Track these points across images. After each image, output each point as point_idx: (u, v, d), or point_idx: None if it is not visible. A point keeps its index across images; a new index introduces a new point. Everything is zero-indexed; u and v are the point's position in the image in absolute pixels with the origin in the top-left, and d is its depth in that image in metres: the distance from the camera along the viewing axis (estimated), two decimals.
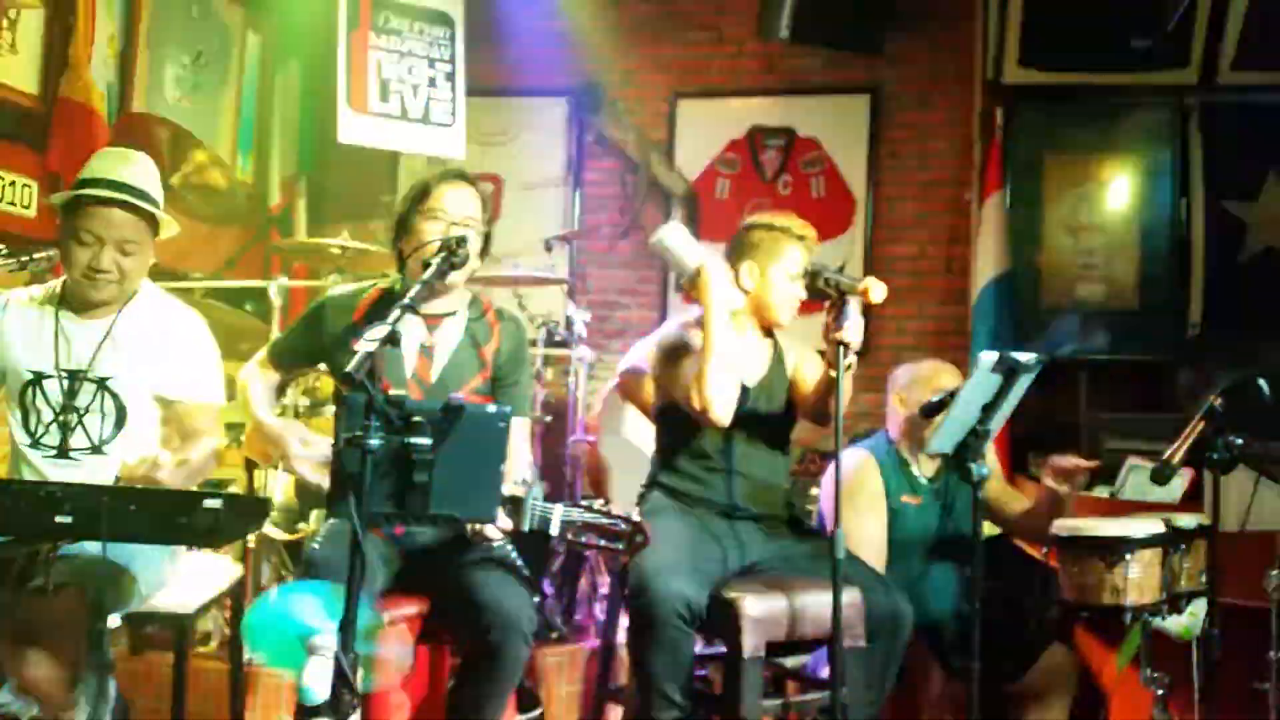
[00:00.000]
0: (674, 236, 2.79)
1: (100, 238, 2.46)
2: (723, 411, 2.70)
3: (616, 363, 4.09)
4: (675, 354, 2.84)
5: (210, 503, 2.06)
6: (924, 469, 3.17)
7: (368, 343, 2.01)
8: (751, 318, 2.93)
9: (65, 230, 2.49)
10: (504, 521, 2.33)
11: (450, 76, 4.93)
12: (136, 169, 2.55)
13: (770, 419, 2.91)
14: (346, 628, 1.93)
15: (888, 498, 3.10)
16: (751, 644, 2.56)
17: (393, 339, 2.08)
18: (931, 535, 3.10)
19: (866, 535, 2.97)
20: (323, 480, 2.45)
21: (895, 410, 3.19)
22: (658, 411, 2.96)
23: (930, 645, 2.96)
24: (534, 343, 4.38)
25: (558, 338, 4.51)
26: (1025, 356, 2.60)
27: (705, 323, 2.72)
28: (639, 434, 3.81)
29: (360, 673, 1.96)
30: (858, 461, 3.11)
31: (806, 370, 2.96)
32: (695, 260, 2.77)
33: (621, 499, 3.97)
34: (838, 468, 2.49)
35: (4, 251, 2.99)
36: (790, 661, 2.87)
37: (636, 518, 2.38)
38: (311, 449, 2.43)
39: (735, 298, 2.84)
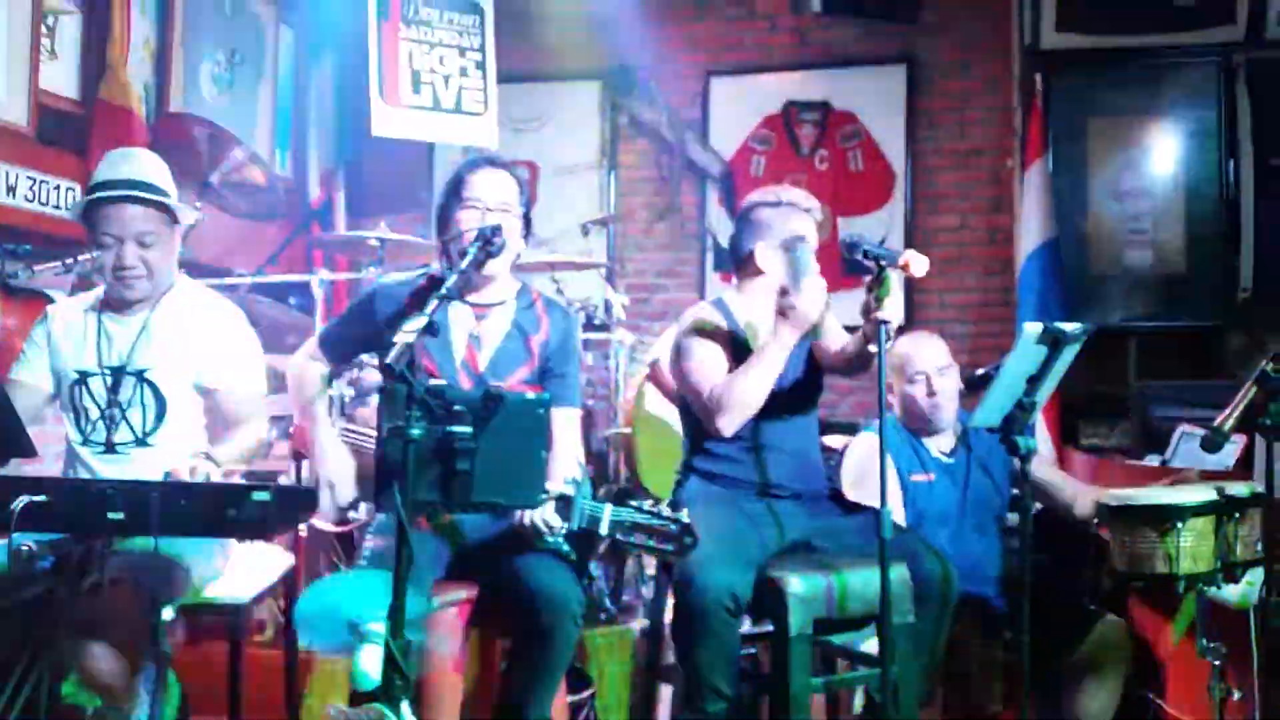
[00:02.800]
0: (807, 253, 2.73)
1: (118, 236, 2.53)
2: (732, 426, 2.68)
3: (655, 346, 4.10)
4: (689, 348, 2.80)
5: (259, 495, 2.09)
6: (939, 445, 3.15)
7: (406, 334, 2.03)
8: (769, 297, 2.88)
9: (90, 239, 2.58)
10: (554, 519, 2.34)
11: (481, 65, 4.93)
12: (139, 164, 2.61)
13: (799, 392, 2.88)
14: (395, 614, 1.95)
15: (900, 476, 3.07)
16: (798, 622, 2.55)
17: (431, 330, 2.09)
18: (953, 510, 3.07)
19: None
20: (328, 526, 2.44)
21: (893, 390, 3.18)
22: (682, 397, 2.94)
23: (974, 619, 2.93)
24: None
25: (596, 322, 4.52)
26: (1070, 326, 2.56)
27: (772, 342, 2.64)
28: (669, 417, 3.81)
29: (412, 658, 1.98)
30: (863, 445, 3.10)
31: (828, 329, 2.94)
32: (807, 280, 2.66)
33: (653, 482, 3.98)
34: (882, 446, 2.46)
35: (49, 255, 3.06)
36: (838, 639, 2.86)
37: (685, 519, 2.38)
38: (336, 496, 2.47)
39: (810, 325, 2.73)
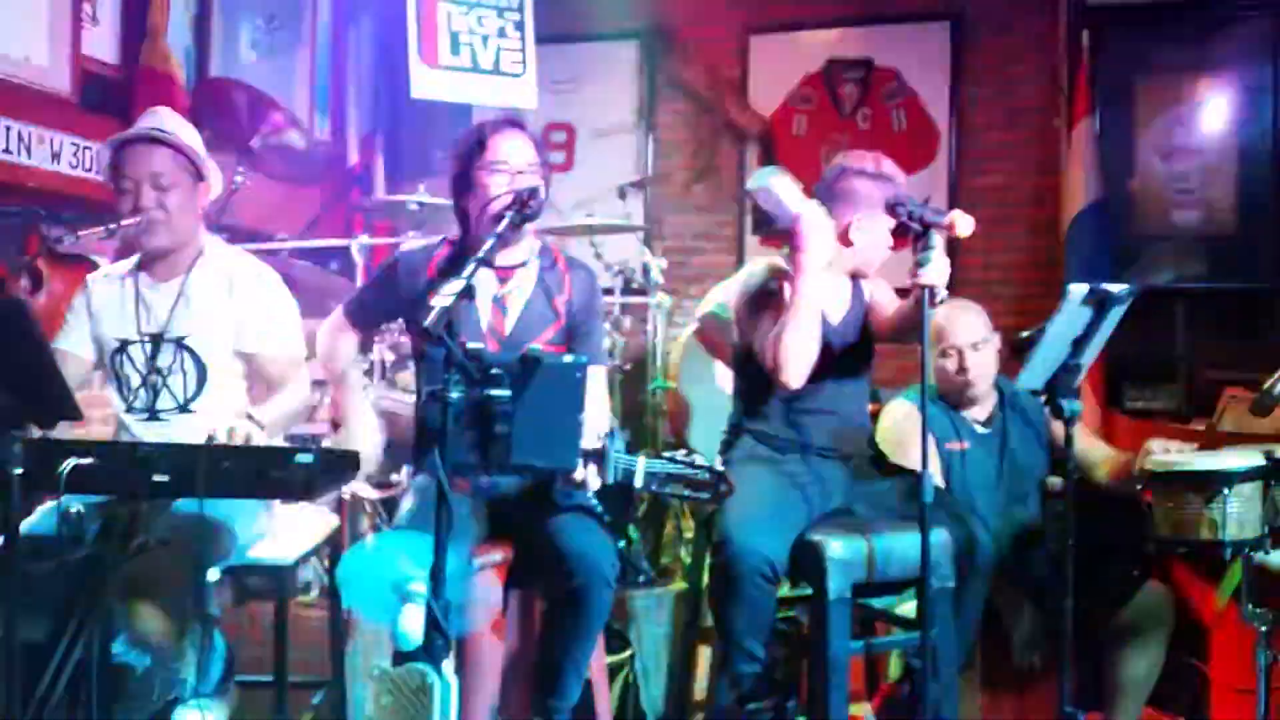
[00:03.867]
0: (778, 181, 2.71)
1: (134, 178, 2.57)
2: (797, 377, 2.64)
3: (694, 309, 4.08)
4: (759, 303, 2.77)
5: (302, 457, 2.12)
6: (975, 413, 3.11)
7: (444, 297, 2.03)
8: (843, 263, 2.85)
9: (115, 193, 2.61)
10: (592, 477, 2.34)
11: (519, 25, 4.89)
12: (158, 117, 2.68)
13: (853, 355, 2.86)
14: (436, 575, 1.97)
15: (936, 444, 3.03)
16: (837, 586, 2.55)
17: (468, 293, 2.10)
18: (991, 479, 3.04)
19: None
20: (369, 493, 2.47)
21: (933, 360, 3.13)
22: (740, 355, 2.92)
23: (1019, 585, 2.91)
24: (611, 291, 4.39)
25: (634, 285, 4.50)
26: (1116, 287, 2.52)
27: (797, 279, 2.64)
28: (719, 378, 3.80)
29: (453, 618, 2.01)
30: (905, 412, 3.06)
31: (880, 295, 2.91)
32: (796, 206, 2.68)
33: (702, 443, 3.97)
34: (924, 409, 2.45)
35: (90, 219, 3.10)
36: (878, 603, 2.86)
37: (719, 466, 2.37)
38: (369, 464, 2.49)
39: (832, 251, 2.72)
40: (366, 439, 2.53)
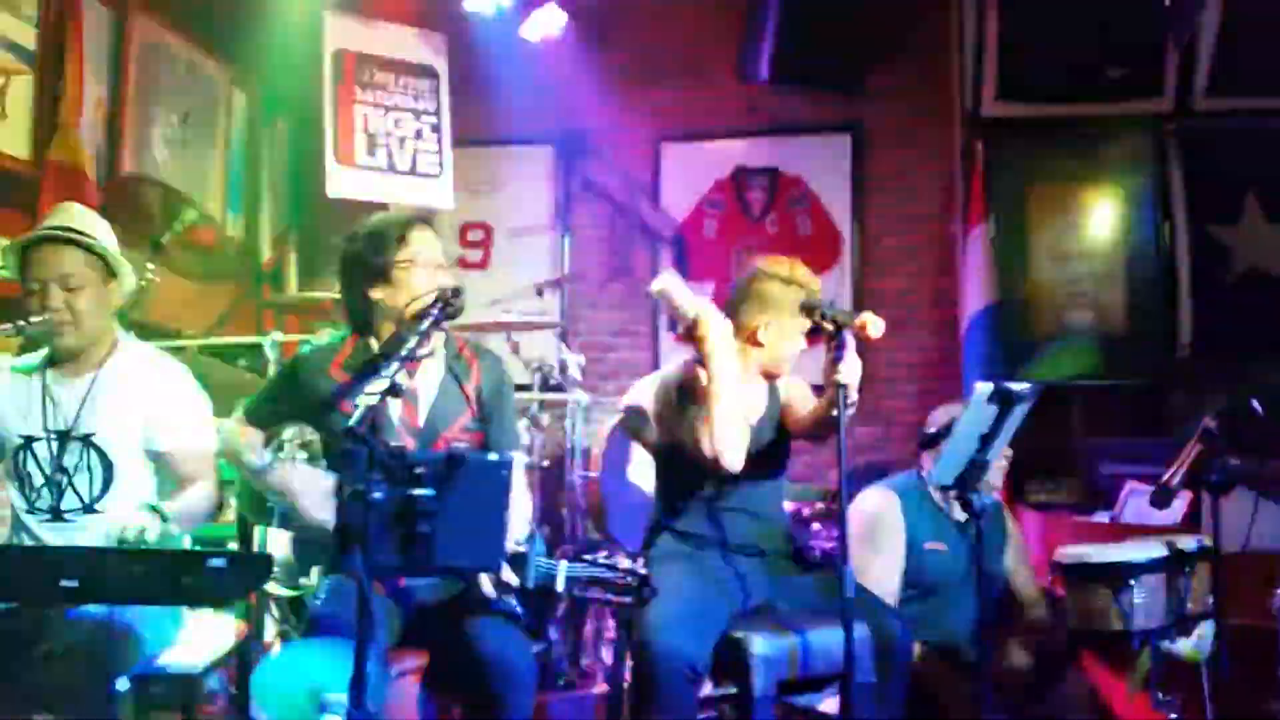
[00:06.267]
0: (670, 284, 2.80)
1: (42, 279, 2.51)
2: (735, 458, 2.68)
3: (612, 404, 4.09)
4: (681, 396, 2.81)
5: (213, 562, 2.05)
6: (957, 510, 3.10)
7: (369, 396, 2.01)
8: (755, 363, 2.93)
9: (23, 292, 2.55)
10: (510, 577, 2.32)
11: (436, 128, 4.97)
12: (69, 214, 2.62)
13: (770, 454, 2.91)
14: (357, 684, 1.91)
15: (914, 541, 3.07)
16: (761, 684, 2.54)
17: (394, 391, 2.08)
18: (960, 577, 3.06)
19: (881, 574, 2.98)
20: (331, 517, 2.46)
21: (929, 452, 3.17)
22: (660, 452, 2.94)
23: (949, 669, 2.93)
24: (528, 387, 4.39)
25: (552, 381, 4.51)
26: (1020, 386, 2.62)
27: (709, 370, 2.70)
28: (642, 473, 3.80)
29: None
30: (879, 501, 3.10)
31: (793, 393, 2.97)
32: (691, 308, 2.77)
33: (621, 535, 3.95)
34: (842, 508, 2.49)
35: None
36: (801, 700, 2.85)
37: (642, 570, 2.37)
38: (315, 488, 2.42)
39: (731, 341, 2.81)
40: (324, 501, 2.43)
